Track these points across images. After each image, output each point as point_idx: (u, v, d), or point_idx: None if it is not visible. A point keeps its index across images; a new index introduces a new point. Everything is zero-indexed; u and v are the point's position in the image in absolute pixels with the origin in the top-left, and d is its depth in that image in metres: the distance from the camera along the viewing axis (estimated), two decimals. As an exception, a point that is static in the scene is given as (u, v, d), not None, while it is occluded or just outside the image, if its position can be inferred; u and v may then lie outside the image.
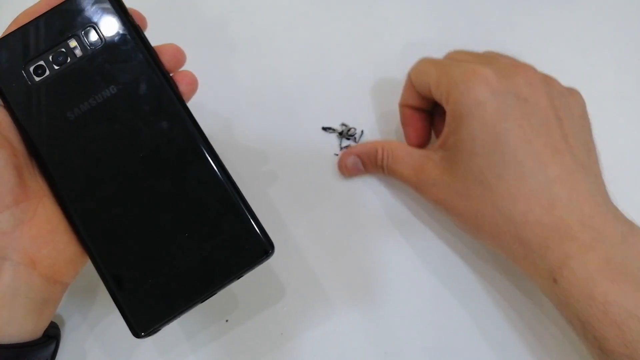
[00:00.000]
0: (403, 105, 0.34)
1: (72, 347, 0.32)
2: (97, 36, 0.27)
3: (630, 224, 0.27)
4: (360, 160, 0.35)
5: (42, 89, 0.27)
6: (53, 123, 0.27)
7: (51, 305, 0.27)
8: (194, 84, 0.29)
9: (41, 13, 0.27)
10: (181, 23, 0.40)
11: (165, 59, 0.28)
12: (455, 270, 0.34)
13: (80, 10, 0.28)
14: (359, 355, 0.32)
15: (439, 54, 0.39)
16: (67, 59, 0.27)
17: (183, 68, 0.29)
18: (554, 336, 0.32)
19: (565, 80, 0.39)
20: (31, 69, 0.27)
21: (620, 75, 0.39)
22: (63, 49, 0.27)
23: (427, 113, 0.34)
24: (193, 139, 0.27)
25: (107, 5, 0.28)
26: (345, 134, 0.37)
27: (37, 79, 0.27)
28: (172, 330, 0.33)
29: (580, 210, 0.26)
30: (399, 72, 0.38)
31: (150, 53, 0.28)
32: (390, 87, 0.38)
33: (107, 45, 0.27)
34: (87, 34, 0.27)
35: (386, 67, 0.39)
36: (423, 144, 0.34)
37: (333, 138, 0.37)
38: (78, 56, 0.27)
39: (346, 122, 0.37)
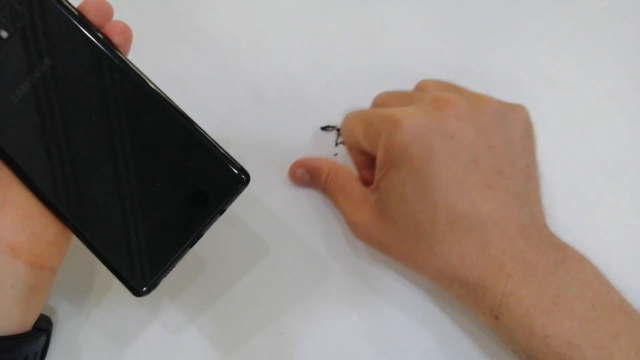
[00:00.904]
0: (360, 169, 0.34)
1: (66, 341, 0.32)
2: (17, 11, 0.27)
3: (563, 249, 0.27)
4: (309, 175, 0.35)
5: None
6: (0, 112, 0.27)
7: (39, 294, 0.27)
8: (126, 32, 0.28)
9: None
10: (181, 23, 0.40)
11: (92, 15, 0.27)
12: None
13: None
14: (359, 355, 0.32)
15: (439, 53, 0.39)
16: None
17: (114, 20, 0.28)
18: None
19: (565, 80, 0.39)
20: None
21: (620, 75, 0.39)
22: None
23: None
24: (139, 88, 0.27)
25: None
26: (344, 131, 0.37)
27: None
28: (173, 331, 0.33)
29: (512, 246, 0.26)
30: (399, 72, 0.39)
31: (74, 14, 0.27)
32: (390, 88, 0.38)
33: (30, 19, 0.27)
34: (7, 14, 0.27)
35: (386, 67, 0.39)
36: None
37: (333, 138, 0.37)
38: (4, 38, 0.27)
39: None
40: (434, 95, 0.29)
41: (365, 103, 0.38)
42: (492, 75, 0.38)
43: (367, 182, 0.33)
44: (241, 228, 0.35)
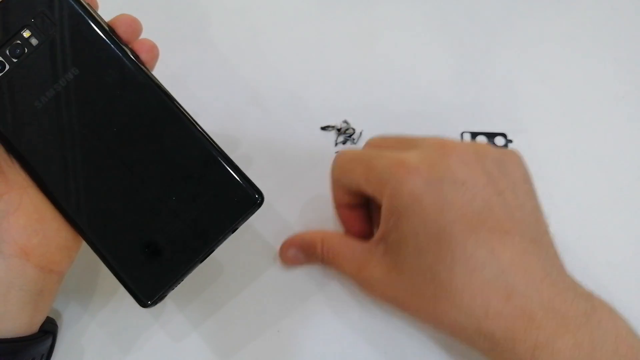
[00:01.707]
0: (338, 206, 0.33)
1: (70, 343, 0.32)
2: (50, 21, 0.27)
3: (590, 298, 0.26)
4: (302, 253, 0.33)
5: (4, 84, 0.27)
6: (22, 115, 0.27)
7: (47, 297, 0.27)
8: (153, 50, 0.28)
9: None
10: (181, 23, 0.40)
11: (122, 31, 0.28)
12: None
13: (26, 1, 0.28)
14: (359, 355, 0.32)
15: (438, 53, 0.39)
16: (24, 50, 0.27)
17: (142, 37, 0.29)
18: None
19: (565, 81, 0.39)
20: None
21: (620, 75, 0.39)
22: (18, 41, 0.27)
23: (364, 206, 0.32)
24: (163, 104, 0.27)
25: None
26: (344, 131, 0.37)
27: None
28: (175, 332, 0.33)
29: (539, 294, 0.25)
30: (399, 72, 0.39)
31: (104, 29, 0.28)
32: (390, 88, 0.38)
33: (61, 29, 0.27)
34: (39, 22, 0.27)
35: (386, 67, 0.39)
36: (366, 236, 0.32)
37: (333, 138, 0.37)
38: (34, 45, 0.27)
39: (346, 121, 0.37)
40: (437, 141, 0.28)
41: (366, 103, 0.38)
42: (492, 75, 0.38)
43: (354, 231, 0.32)
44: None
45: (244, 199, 0.27)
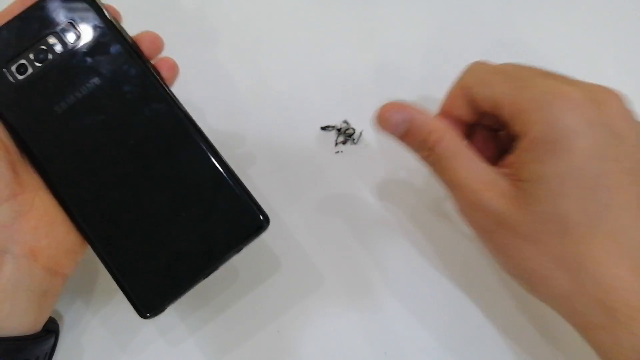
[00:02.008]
0: (444, 114, 0.29)
1: (71, 342, 0.32)
2: (76, 31, 0.28)
3: None
4: (407, 126, 0.28)
5: (26, 86, 0.28)
6: (40, 118, 0.28)
7: (51, 298, 0.27)
8: (174, 68, 0.29)
9: (17, 13, 0.28)
10: (181, 23, 0.40)
11: (145, 47, 0.28)
12: (456, 269, 0.34)
13: (56, 8, 0.28)
14: (359, 355, 0.32)
15: (438, 53, 0.39)
16: (48, 56, 0.28)
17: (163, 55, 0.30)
18: (553, 336, 0.32)
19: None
20: (13, 68, 0.28)
21: (621, 75, 0.39)
22: (43, 46, 0.28)
23: (465, 128, 0.29)
24: (179, 122, 0.28)
25: (82, 2, 0.28)
26: (344, 131, 0.37)
27: (20, 77, 0.28)
28: (176, 332, 0.33)
29: None
30: (399, 72, 0.39)
31: (128, 43, 0.28)
32: (390, 87, 0.38)
33: (86, 39, 0.28)
34: (65, 30, 0.28)
35: (386, 67, 0.39)
36: None
37: (333, 138, 0.37)
38: (59, 52, 0.28)
39: (346, 121, 0.37)
40: (592, 85, 0.25)
41: (365, 103, 0.38)
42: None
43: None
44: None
45: (251, 221, 0.28)
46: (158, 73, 0.29)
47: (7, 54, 0.28)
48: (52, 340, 0.29)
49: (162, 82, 0.28)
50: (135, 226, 0.27)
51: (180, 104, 0.28)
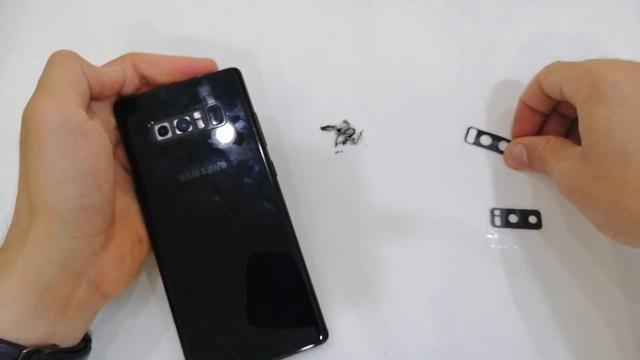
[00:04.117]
0: (522, 102, 0.35)
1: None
2: (221, 115, 0.31)
3: None
4: (526, 151, 0.34)
5: (161, 146, 0.31)
6: (164, 177, 0.31)
7: (94, 316, 0.30)
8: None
9: (183, 67, 0.31)
10: (181, 24, 0.40)
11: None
12: (456, 270, 0.34)
13: (213, 88, 0.32)
14: (359, 355, 0.32)
15: (438, 53, 0.39)
16: (189, 127, 0.31)
17: None
18: (554, 335, 0.32)
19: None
20: (157, 127, 0.31)
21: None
22: (187, 118, 0.31)
23: (541, 116, 0.35)
24: (282, 225, 0.31)
25: (237, 92, 0.32)
26: (344, 131, 0.37)
27: (159, 137, 0.31)
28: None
29: None
30: (399, 72, 0.39)
31: (261, 140, 0.32)
32: (390, 88, 0.38)
33: (227, 125, 0.31)
34: (212, 110, 0.31)
35: (386, 67, 0.39)
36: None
37: (332, 138, 0.37)
38: (199, 127, 0.31)
39: (346, 121, 0.37)
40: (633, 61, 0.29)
41: (366, 103, 0.38)
42: (492, 75, 0.38)
43: (522, 128, 0.35)
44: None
45: (313, 333, 0.30)
46: (276, 174, 0.32)
47: (158, 114, 0.31)
48: (89, 353, 0.30)
49: (277, 184, 0.31)
50: (212, 300, 0.30)
51: (286, 207, 0.31)
